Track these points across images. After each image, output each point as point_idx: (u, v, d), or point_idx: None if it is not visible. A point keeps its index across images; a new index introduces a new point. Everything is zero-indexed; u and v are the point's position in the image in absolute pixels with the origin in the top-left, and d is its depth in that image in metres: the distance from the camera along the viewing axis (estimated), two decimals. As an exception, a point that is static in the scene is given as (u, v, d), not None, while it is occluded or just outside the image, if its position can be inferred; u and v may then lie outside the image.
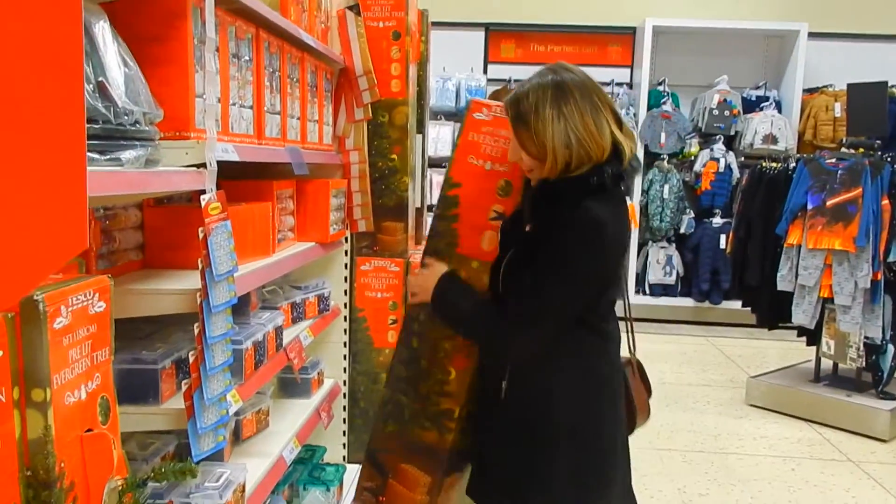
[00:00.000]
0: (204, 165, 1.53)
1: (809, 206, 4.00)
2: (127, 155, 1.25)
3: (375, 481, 1.90)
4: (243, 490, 1.78)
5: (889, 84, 6.22)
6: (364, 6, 2.79)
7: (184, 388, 1.53)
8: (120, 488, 1.00)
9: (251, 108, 1.92)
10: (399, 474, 1.86)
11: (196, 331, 1.51)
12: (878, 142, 4.06)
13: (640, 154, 6.69)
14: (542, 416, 1.65)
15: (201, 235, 1.50)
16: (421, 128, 3.18)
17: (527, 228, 1.66)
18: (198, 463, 1.62)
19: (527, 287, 1.59)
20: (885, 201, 3.80)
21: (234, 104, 1.81)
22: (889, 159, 3.87)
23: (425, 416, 1.81)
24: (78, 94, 0.84)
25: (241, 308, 2.04)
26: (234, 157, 1.70)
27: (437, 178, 6.66)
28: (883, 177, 3.77)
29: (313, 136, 2.48)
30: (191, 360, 1.53)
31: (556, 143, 1.57)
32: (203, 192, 1.52)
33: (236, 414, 2.15)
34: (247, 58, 1.88)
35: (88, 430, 0.98)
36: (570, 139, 1.56)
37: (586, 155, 1.57)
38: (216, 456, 1.90)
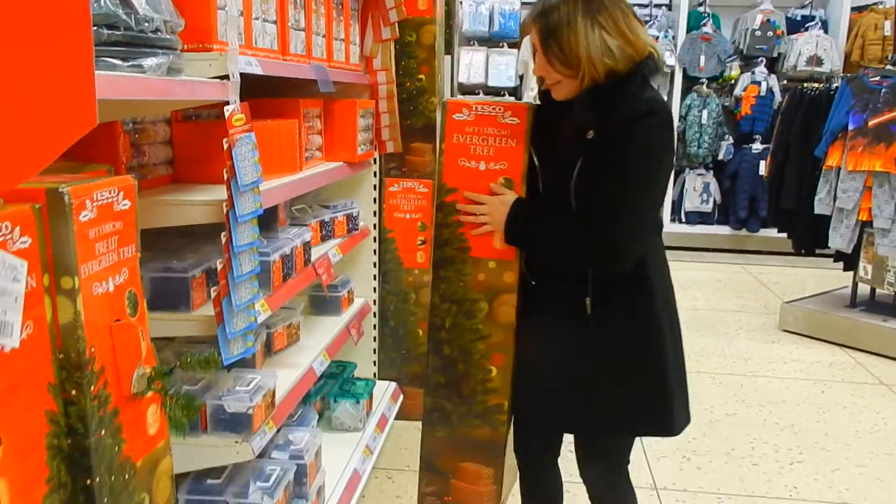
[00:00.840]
0: (227, 77, 1.55)
1: (851, 127, 3.88)
2: (149, 62, 1.27)
3: (436, 485, 1.93)
4: (273, 395, 1.86)
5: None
6: (390, -80, 2.73)
7: (213, 295, 1.59)
8: (148, 375, 1.05)
9: (275, 23, 1.92)
10: (459, 472, 1.88)
11: (223, 240, 1.56)
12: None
13: (679, 78, 6.53)
14: (644, 328, 1.66)
15: (226, 146, 1.53)
16: (449, 49, 3.14)
17: (589, 135, 1.61)
18: (228, 368, 1.70)
19: (607, 191, 1.58)
20: (931, 121, 3.68)
21: (257, 18, 1.81)
22: (937, 77, 3.73)
23: (473, 415, 1.82)
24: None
25: (269, 223, 2.09)
26: (258, 71, 1.71)
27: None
28: (929, 95, 3.64)
29: (339, 56, 2.47)
30: (219, 268, 1.58)
31: (592, 54, 1.57)
32: (227, 103, 1.54)
33: (267, 327, 2.22)
34: (269, -30, 1.87)
35: (117, 321, 1.04)
36: (609, 47, 1.57)
37: (630, 58, 1.59)
38: (248, 363, 1.99)
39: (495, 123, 1.74)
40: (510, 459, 1.91)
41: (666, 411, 1.69)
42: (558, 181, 1.67)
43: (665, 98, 1.73)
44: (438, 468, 1.89)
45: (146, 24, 1.26)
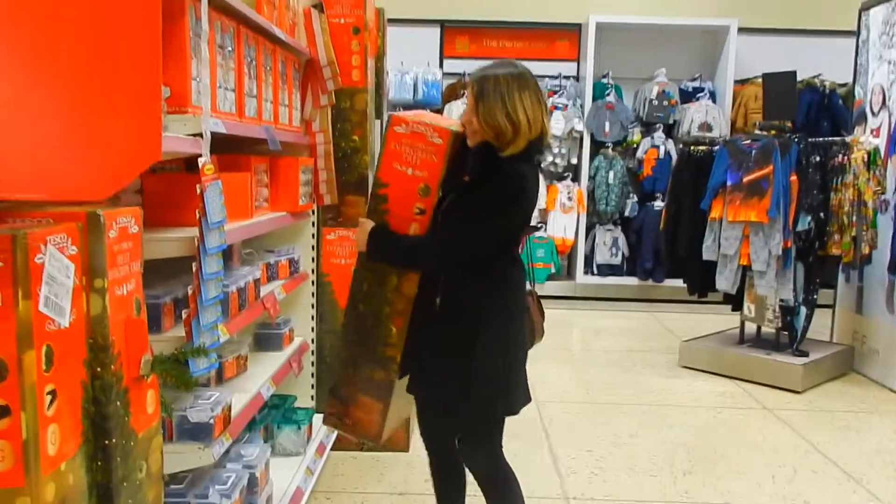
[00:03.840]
0: (200, 135, 1.88)
1: (729, 183, 4.46)
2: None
3: (338, 409, 2.33)
4: (230, 409, 2.13)
5: (817, 75, 6.85)
6: (327, 4, 3.14)
7: (183, 316, 1.88)
8: (151, 361, 1.35)
9: (233, 90, 2.27)
10: (357, 403, 2.30)
11: (194, 269, 1.86)
12: (789, 124, 4.55)
13: (587, 142, 7.15)
14: (471, 328, 2.09)
15: (199, 190, 1.85)
16: (379, 114, 3.54)
17: (465, 178, 2.11)
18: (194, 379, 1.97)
19: (455, 220, 2.06)
20: (794, 177, 4.27)
21: (220, 87, 2.15)
22: (796, 140, 4.34)
23: (374, 361, 2.25)
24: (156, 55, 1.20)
25: (225, 261, 2.39)
26: (222, 130, 2.04)
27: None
28: (791, 155, 4.25)
29: (284, 119, 2.83)
30: (189, 293, 1.87)
31: (502, 121, 2.03)
32: (199, 156, 1.87)
33: (219, 357, 2.50)
34: (229, 48, 2.23)
35: (128, 318, 1.34)
36: (517, 121, 2.03)
37: (527, 132, 2.05)
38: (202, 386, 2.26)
39: (423, 140, 2.14)
40: (396, 406, 2.29)
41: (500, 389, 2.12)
42: (438, 203, 2.15)
43: (538, 171, 2.28)
44: (343, 396, 2.29)
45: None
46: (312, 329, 3.30)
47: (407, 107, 7.07)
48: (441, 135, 2.15)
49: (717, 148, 4.76)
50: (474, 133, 2.10)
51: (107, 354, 1.25)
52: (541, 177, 2.24)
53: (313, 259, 3.26)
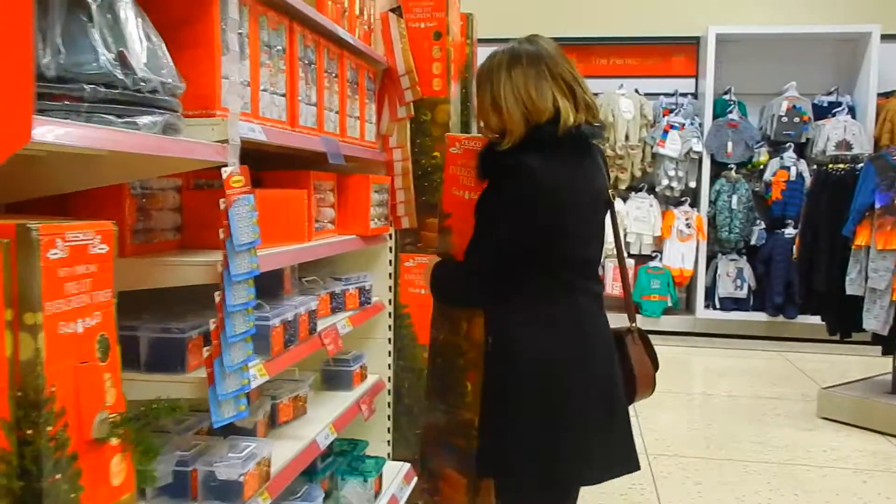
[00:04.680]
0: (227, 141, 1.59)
1: (878, 205, 3.82)
2: (144, 120, 1.32)
3: (429, 483, 2.04)
4: (268, 464, 1.82)
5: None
6: (406, 8, 2.85)
7: (205, 355, 1.58)
8: (112, 421, 1.04)
9: (284, 95, 1.99)
10: (445, 478, 1.99)
11: (217, 299, 1.57)
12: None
13: (707, 164, 6.53)
14: (508, 369, 1.72)
15: (222, 206, 1.56)
16: (467, 129, 3.20)
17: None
18: (218, 429, 1.67)
19: (475, 232, 1.77)
20: (960, 198, 3.60)
21: (265, 90, 1.88)
22: (963, 154, 3.67)
23: (455, 424, 1.93)
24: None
25: (274, 290, 2.10)
26: (262, 138, 1.76)
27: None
28: (956, 172, 3.59)
29: (354, 132, 2.54)
30: (212, 327, 1.58)
31: (498, 106, 1.72)
32: (225, 165, 1.58)
33: (273, 398, 2.20)
34: (279, 47, 1.95)
35: (84, 363, 1.03)
36: (507, 103, 1.70)
37: (521, 117, 1.70)
38: (250, 433, 1.97)
39: (475, 157, 1.86)
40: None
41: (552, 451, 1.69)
42: None
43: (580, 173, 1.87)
44: (432, 469, 2.00)
45: (143, 84, 1.31)
46: (389, 366, 2.97)
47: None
48: None
49: (860, 165, 4.12)
50: (497, 136, 1.80)
51: (40, 412, 0.95)
52: (600, 163, 1.84)
53: (390, 288, 2.94)
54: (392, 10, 2.80)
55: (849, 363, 5.64)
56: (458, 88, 3.05)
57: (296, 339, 2.03)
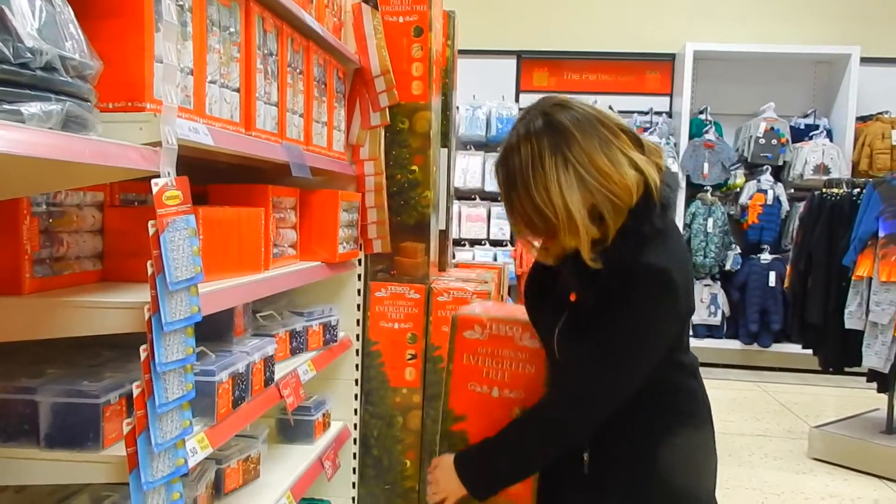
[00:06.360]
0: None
1: (882, 234, 3.57)
2: (32, 108, 0.92)
3: None
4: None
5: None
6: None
7: (126, 430, 1.18)
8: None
9: (237, 91, 1.60)
10: None
11: (143, 356, 1.16)
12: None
13: (682, 183, 6.29)
14: (652, 484, 1.39)
15: (152, 231, 1.16)
16: (446, 140, 2.84)
17: (572, 298, 1.40)
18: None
19: (584, 359, 1.36)
20: (971, 228, 3.37)
21: (213, 81, 1.49)
22: (973, 181, 3.45)
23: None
24: None
25: (221, 333, 1.70)
26: (208, 141, 1.37)
27: (465, 210, 6.32)
28: (967, 200, 3.36)
29: (320, 140, 2.16)
30: (135, 393, 1.17)
31: (571, 200, 1.27)
32: (157, 175, 1.18)
33: (217, 462, 1.79)
34: (232, 29, 1.57)
35: None
36: (560, 202, 1.27)
37: (612, 204, 1.28)
38: (186, 514, 1.54)
39: (512, 345, 1.54)
40: None
41: None
42: (547, 339, 1.45)
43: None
44: None
45: (31, 58, 0.91)
46: (356, 412, 2.57)
47: (479, 146, 6.38)
48: (536, 334, 1.52)
49: (857, 191, 3.88)
50: (548, 248, 1.40)
51: None
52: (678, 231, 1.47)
53: (358, 322, 2.54)
54: (365, 1, 2.43)
55: (828, 396, 5.43)
56: (439, 94, 2.69)
57: (248, 394, 1.62)
